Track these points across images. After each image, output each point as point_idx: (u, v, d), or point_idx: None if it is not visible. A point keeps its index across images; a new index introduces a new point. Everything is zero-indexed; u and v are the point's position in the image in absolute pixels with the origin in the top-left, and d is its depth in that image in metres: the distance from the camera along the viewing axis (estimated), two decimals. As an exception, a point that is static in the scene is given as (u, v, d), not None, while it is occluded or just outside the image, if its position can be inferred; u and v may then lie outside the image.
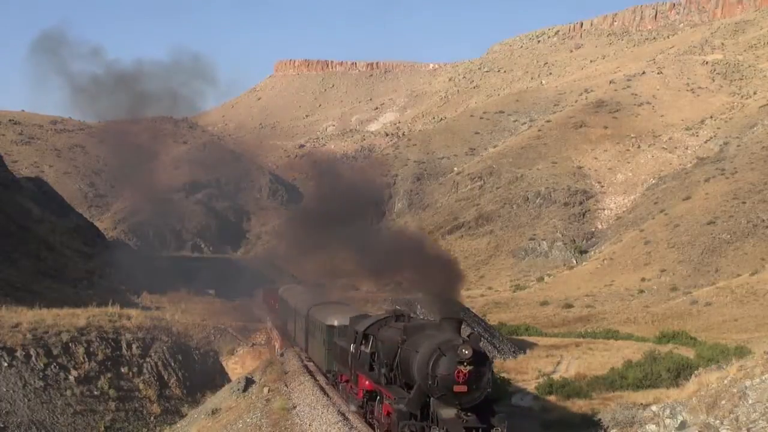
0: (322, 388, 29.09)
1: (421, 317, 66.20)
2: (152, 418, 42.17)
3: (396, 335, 20.35)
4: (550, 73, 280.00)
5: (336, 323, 29.11)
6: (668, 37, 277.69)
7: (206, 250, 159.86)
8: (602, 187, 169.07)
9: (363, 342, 23.06)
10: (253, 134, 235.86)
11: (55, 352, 41.40)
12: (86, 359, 42.60)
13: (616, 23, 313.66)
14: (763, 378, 21.39)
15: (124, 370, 44.18)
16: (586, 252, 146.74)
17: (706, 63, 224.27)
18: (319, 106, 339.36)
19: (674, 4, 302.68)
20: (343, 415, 24.05)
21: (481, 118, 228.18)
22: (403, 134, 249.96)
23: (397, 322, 22.09)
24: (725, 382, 22.91)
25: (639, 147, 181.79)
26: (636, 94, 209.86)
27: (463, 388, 17.30)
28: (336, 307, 33.55)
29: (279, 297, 57.44)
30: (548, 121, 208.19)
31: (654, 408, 22.80)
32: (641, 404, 28.36)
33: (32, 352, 40.17)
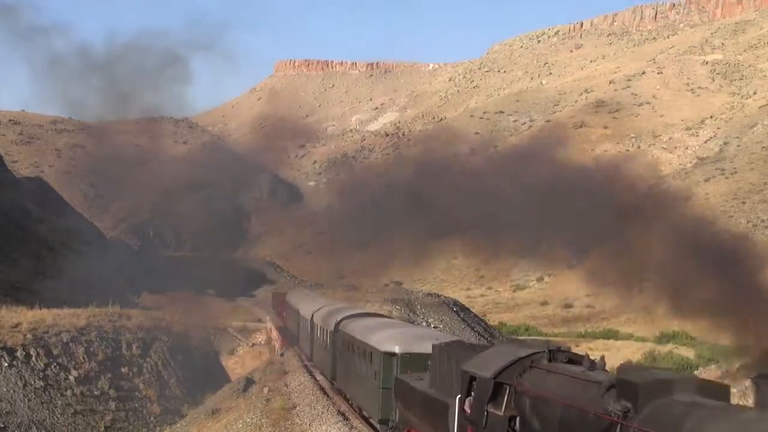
0: (322, 388, 29.10)
1: (422, 320, 66.00)
2: (152, 418, 42.21)
3: (591, 395, 11.06)
4: (550, 73, 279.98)
5: (398, 350, 20.45)
6: (668, 37, 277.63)
7: (206, 250, 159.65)
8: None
9: (493, 397, 13.38)
10: (252, 134, 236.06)
11: (55, 352, 41.43)
12: (86, 359, 42.63)
13: (616, 23, 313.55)
14: (763, 378, 21.37)
15: (124, 370, 44.23)
16: (586, 252, 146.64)
17: (706, 63, 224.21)
18: (319, 106, 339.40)
19: (674, 4, 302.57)
20: (343, 414, 24.05)
21: (481, 118, 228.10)
22: (403, 134, 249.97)
23: (555, 363, 12.94)
24: (725, 382, 22.92)
25: (639, 147, 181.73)
26: (636, 94, 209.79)
27: None
28: (385, 324, 25.08)
29: (286, 303, 50.09)
30: (548, 121, 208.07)
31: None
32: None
33: (32, 352, 40.20)
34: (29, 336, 41.21)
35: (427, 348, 18.42)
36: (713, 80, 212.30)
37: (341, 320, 27.85)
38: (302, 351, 38.93)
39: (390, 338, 21.47)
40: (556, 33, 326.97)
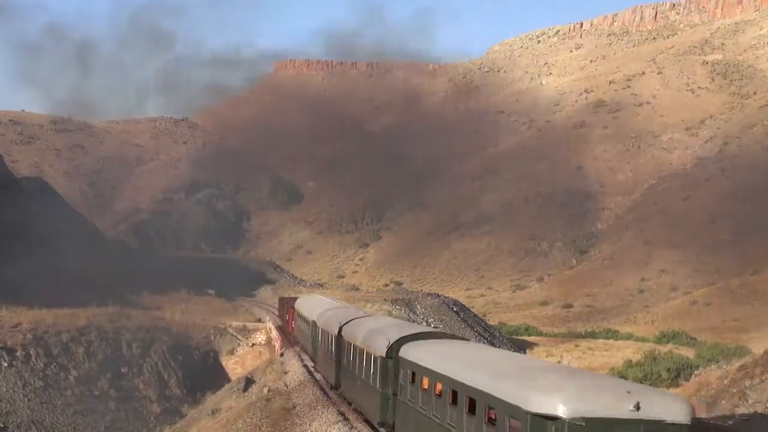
0: (321, 388, 29.04)
1: (422, 320, 66.06)
2: (152, 418, 42.22)
3: None
4: (550, 73, 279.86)
5: (564, 412, 11.93)
6: (668, 37, 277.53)
7: (206, 250, 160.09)
8: (602, 187, 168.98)
9: None
10: (253, 134, 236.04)
11: (55, 352, 41.46)
12: (86, 359, 42.68)
13: (616, 23, 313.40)
14: (763, 378, 21.38)
15: (124, 370, 44.26)
16: (586, 252, 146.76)
17: (706, 63, 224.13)
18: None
19: (674, 4, 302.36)
20: (343, 414, 24.02)
21: (481, 118, 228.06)
22: (403, 134, 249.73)
23: None
24: (725, 382, 22.93)
25: (639, 147, 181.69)
26: (636, 94, 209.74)
27: None
28: (499, 359, 16.63)
29: (296, 312, 41.33)
30: (548, 121, 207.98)
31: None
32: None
33: (32, 352, 40.23)
34: (29, 336, 41.24)
35: (616, 409, 11.83)
36: (713, 80, 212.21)
37: (399, 343, 19.79)
38: (321, 372, 31.66)
39: (539, 387, 12.61)
40: (556, 33, 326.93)
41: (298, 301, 43.95)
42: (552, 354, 61.76)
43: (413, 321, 57.12)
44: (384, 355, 20.05)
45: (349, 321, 26.31)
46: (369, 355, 21.72)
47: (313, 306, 36.29)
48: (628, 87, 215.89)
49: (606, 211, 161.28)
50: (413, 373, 18.21)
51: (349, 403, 25.26)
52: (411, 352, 18.73)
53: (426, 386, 17.18)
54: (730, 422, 20.42)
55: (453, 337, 21.87)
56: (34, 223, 70.67)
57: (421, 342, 19.39)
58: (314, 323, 32.54)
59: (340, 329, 26.23)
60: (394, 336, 20.24)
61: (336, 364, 26.77)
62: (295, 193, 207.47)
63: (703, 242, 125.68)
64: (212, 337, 53.05)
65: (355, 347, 23.80)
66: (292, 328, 43.56)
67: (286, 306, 49.12)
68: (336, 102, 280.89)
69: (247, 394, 35.34)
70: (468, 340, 23.23)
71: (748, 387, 21.28)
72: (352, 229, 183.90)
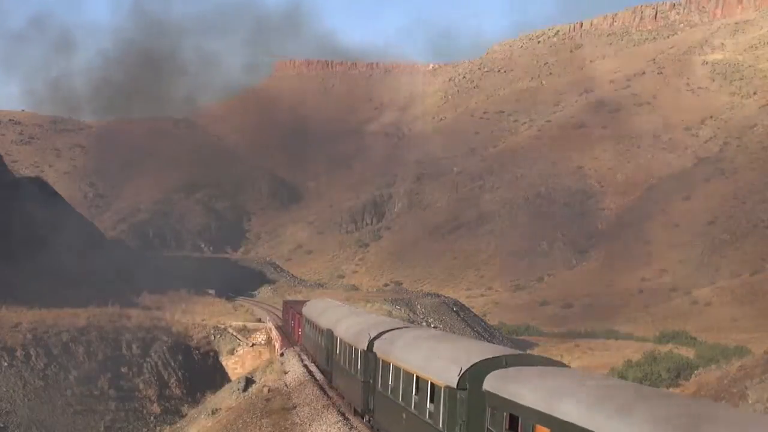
0: (321, 388, 29.05)
1: (422, 320, 66.08)
2: (152, 418, 42.24)
3: None
4: (550, 73, 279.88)
5: None
6: (668, 37, 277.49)
7: (206, 250, 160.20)
8: (602, 187, 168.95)
9: None
10: (253, 134, 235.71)
11: (55, 352, 41.49)
12: (86, 359, 42.71)
13: (616, 23, 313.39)
14: (763, 378, 21.39)
15: (124, 370, 44.28)
16: (586, 252, 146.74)
17: (706, 63, 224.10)
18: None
19: (674, 4, 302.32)
20: (343, 414, 24.03)
21: (481, 118, 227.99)
22: (403, 134, 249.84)
23: None
24: (725, 382, 22.94)
25: (639, 147, 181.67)
26: (636, 94, 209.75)
27: None
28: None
29: (304, 319, 37.29)
30: (548, 121, 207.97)
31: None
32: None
33: (32, 352, 40.26)
34: (29, 336, 41.27)
35: None
36: (713, 80, 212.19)
37: (478, 370, 14.61)
38: (338, 390, 27.50)
39: None
40: (556, 33, 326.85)
41: (306, 305, 39.29)
42: (551, 354, 61.75)
43: (413, 321, 57.16)
44: (454, 385, 14.87)
45: (382, 333, 21.59)
46: (425, 382, 16.62)
47: (327, 312, 31.87)
48: (628, 87, 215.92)
49: (606, 211, 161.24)
50: (514, 418, 12.89)
51: None
52: (506, 386, 13.40)
53: None
54: None
55: (548, 361, 15.42)
56: (34, 223, 70.68)
57: (514, 370, 14.02)
58: (330, 332, 28.31)
59: (371, 343, 21.54)
60: (468, 359, 15.02)
61: (363, 386, 22.13)
62: (295, 193, 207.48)
63: (703, 242, 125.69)
64: (212, 337, 53.09)
65: (396, 368, 18.84)
66: (299, 335, 39.68)
67: (292, 311, 44.68)
68: (335, 102, 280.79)
69: (247, 394, 35.36)
70: (566, 365, 15.38)
71: (748, 387, 21.29)
72: (352, 229, 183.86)
